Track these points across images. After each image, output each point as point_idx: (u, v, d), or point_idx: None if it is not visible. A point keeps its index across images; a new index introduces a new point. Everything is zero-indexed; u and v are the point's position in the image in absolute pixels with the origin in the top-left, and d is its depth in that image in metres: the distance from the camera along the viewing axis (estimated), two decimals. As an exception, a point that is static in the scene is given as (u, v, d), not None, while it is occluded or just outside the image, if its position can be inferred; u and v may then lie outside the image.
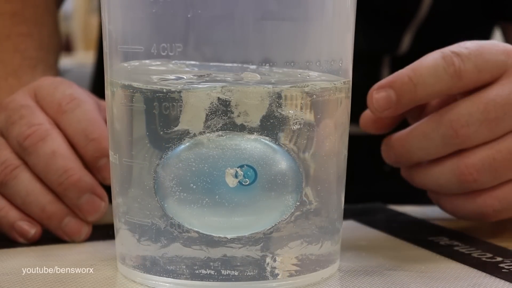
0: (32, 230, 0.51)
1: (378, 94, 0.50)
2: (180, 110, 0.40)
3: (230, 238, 0.41)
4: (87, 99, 0.53)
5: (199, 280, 0.41)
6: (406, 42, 0.77)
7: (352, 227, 0.56)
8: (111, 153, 0.44)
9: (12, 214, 0.51)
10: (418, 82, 0.49)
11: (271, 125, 0.41)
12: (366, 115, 0.54)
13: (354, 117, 0.48)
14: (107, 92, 0.44)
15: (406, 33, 0.77)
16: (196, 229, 0.41)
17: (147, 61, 0.42)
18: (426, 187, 0.53)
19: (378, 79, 0.80)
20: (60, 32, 0.72)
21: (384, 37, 0.77)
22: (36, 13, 0.68)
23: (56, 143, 0.51)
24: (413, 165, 0.53)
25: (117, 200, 0.44)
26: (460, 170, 0.50)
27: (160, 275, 0.42)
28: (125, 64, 0.42)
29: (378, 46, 0.61)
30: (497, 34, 0.88)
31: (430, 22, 0.77)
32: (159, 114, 0.41)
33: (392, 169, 0.59)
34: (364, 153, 0.66)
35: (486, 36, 0.84)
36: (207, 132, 0.40)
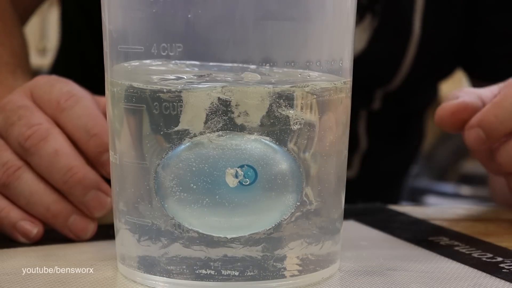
0: (34, 229, 0.51)
1: (468, 132, 0.54)
2: (180, 110, 0.40)
3: (230, 238, 0.41)
4: (85, 94, 0.53)
5: (199, 280, 0.41)
6: (377, 100, 0.81)
7: (352, 227, 0.56)
8: (111, 153, 0.44)
9: (14, 214, 0.51)
10: (504, 119, 0.53)
11: (271, 125, 0.41)
12: (444, 109, 0.55)
13: None
14: (107, 92, 0.44)
15: (378, 94, 0.81)
16: (196, 229, 0.41)
17: (147, 61, 0.42)
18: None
19: (356, 132, 0.84)
20: (28, 46, 0.73)
21: (358, 95, 0.80)
22: (5, 26, 0.70)
23: (58, 142, 0.51)
24: (499, 143, 0.55)
25: (117, 200, 0.44)
26: None
27: (160, 275, 0.42)
28: (125, 64, 0.42)
29: (353, 102, 0.65)
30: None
31: (402, 87, 0.81)
32: (159, 114, 0.41)
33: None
34: None
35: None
36: (207, 132, 0.40)
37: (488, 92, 0.57)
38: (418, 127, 0.93)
